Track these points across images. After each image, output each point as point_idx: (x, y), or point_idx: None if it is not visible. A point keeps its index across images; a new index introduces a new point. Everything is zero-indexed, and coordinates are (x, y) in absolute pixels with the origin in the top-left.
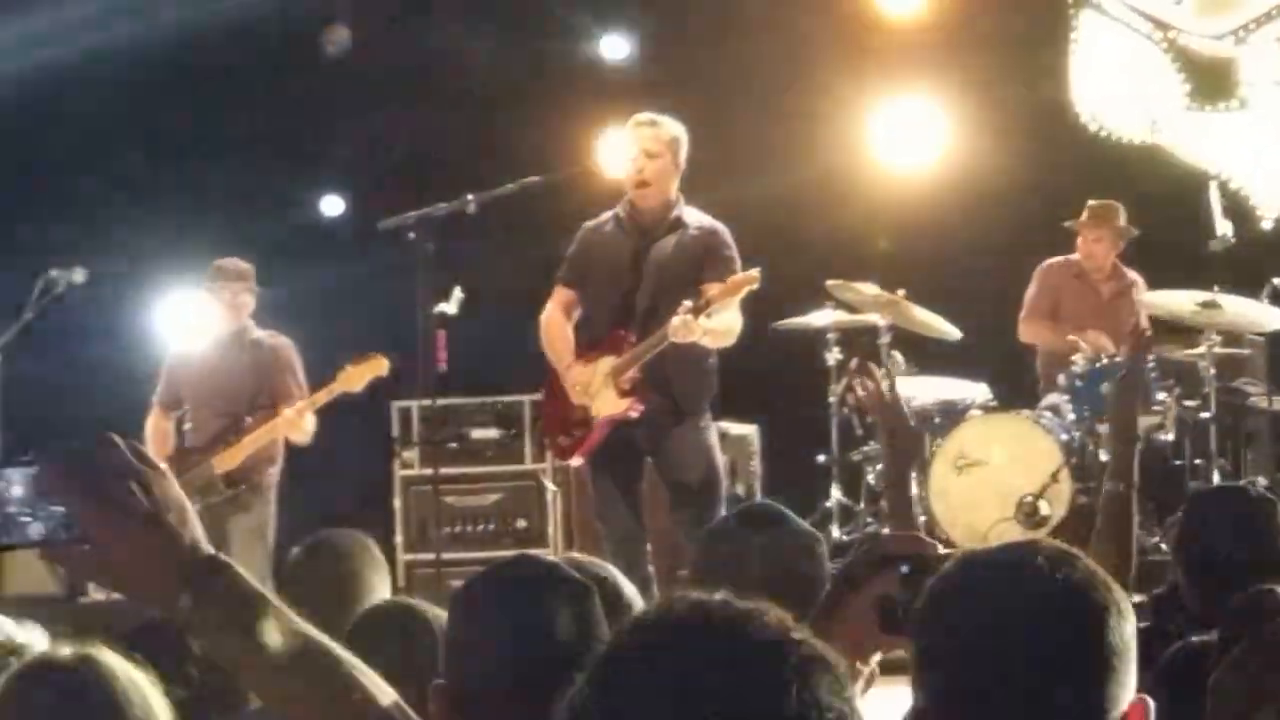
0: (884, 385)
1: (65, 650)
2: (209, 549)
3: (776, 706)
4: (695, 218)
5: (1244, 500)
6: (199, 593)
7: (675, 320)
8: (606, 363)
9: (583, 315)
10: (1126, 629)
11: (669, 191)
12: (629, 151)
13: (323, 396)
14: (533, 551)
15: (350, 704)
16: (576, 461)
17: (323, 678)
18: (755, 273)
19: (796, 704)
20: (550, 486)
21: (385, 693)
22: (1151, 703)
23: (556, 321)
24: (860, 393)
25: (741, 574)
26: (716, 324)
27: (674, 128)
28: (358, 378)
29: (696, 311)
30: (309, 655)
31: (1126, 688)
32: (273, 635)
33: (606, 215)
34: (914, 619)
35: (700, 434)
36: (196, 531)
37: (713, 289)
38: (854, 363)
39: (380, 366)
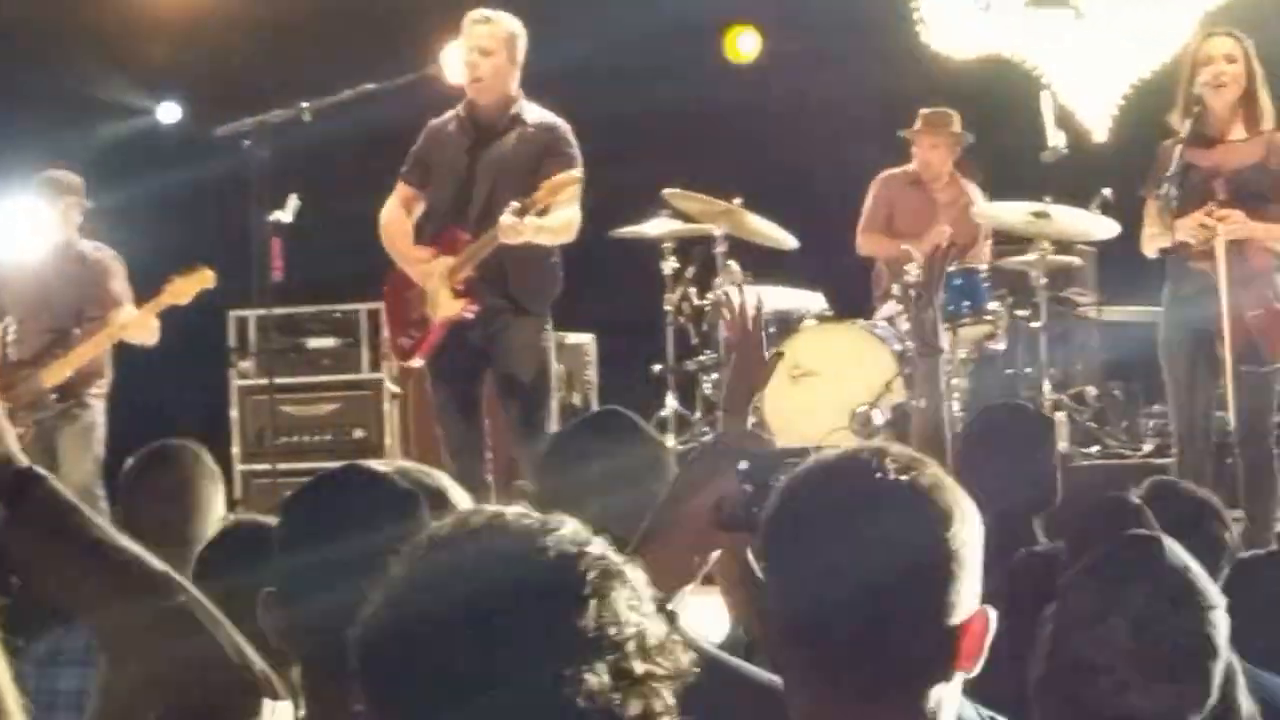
0: (750, 313)
1: None
2: (24, 461)
3: (573, 621)
4: (535, 114)
5: (1013, 416)
6: (13, 505)
7: (503, 220)
8: (443, 263)
9: (425, 213)
10: (971, 536)
11: (506, 88)
12: (464, 49)
13: (151, 309)
14: (362, 462)
15: (169, 618)
16: (416, 363)
17: (142, 593)
18: (576, 172)
19: (594, 618)
20: (393, 389)
21: (210, 614)
22: (993, 613)
23: (397, 218)
24: (725, 314)
25: (585, 480)
26: (550, 221)
27: (510, 24)
28: (184, 290)
29: (523, 211)
30: (129, 570)
31: (969, 595)
32: (90, 549)
33: (450, 114)
34: (760, 518)
35: (537, 335)
36: (10, 443)
37: (539, 189)
38: (720, 292)
39: (206, 278)
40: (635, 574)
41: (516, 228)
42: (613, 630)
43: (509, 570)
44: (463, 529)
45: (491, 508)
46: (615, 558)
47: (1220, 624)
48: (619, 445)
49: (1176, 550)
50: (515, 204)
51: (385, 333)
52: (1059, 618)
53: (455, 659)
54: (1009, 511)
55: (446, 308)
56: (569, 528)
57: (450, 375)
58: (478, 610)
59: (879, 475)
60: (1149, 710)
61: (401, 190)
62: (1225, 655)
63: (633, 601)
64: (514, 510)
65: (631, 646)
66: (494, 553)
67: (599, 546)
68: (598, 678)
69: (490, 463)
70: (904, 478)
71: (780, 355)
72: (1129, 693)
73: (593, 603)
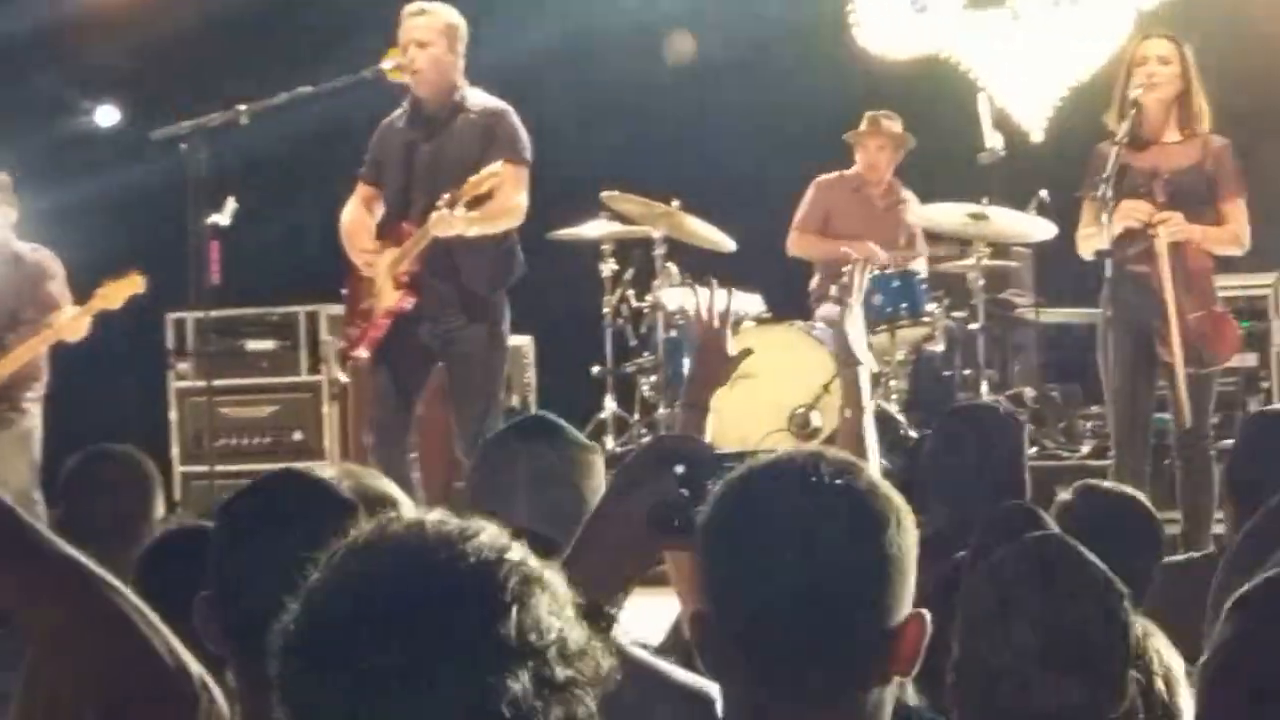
0: (717, 310)
1: None
2: None
3: (494, 628)
4: (479, 100)
5: (983, 417)
6: None
7: (434, 214)
8: (389, 255)
9: (382, 208)
10: (907, 540)
11: (447, 79)
12: (403, 43)
13: (83, 314)
14: (299, 466)
15: (105, 621)
16: (361, 354)
17: (78, 595)
18: (496, 166)
19: (515, 625)
20: (341, 378)
21: (146, 617)
22: (928, 616)
23: (358, 216)
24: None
25: (513, 485)
26: (487, 210)
27: (447, 15)
28: (115, 295)
29: (452, 203)
30: (64, 573)
31: (905, 599)
32: (25, 551)
33: (399, 110)
34: (697, 524)
35: (493, 338)
36: None
37: (471, 181)
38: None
39: (136, 284)
40: (556, 579)
41: (447, 220)
42: (534, 636)
43: (428, 577)
44: (382, 535)
45: (412, 514)
46: (535, 563)
47: (1125, 617)
48: (545, 448)
49: (1075, 548)
50: (445, 196)
51: (324, 334)
52: (962, 624)
53: (374, 666)
54: (976, 513)
55: (387, 299)
56: (489, 533)
57: (392, 366)
58: (396, 617)
59: (815, 479)
60: (1061, 706)
61: (361, 190)
62: (1134, 647)
63: (553, 607)
64: (434, 516)
65: (553, 653)
66: (413, 559)
67: (519, 552)
68: (519, 684)
69: (415, 461)
70: (840, 482)
71: (749, 352)
72: (1037, 691)
73: (513, 609)
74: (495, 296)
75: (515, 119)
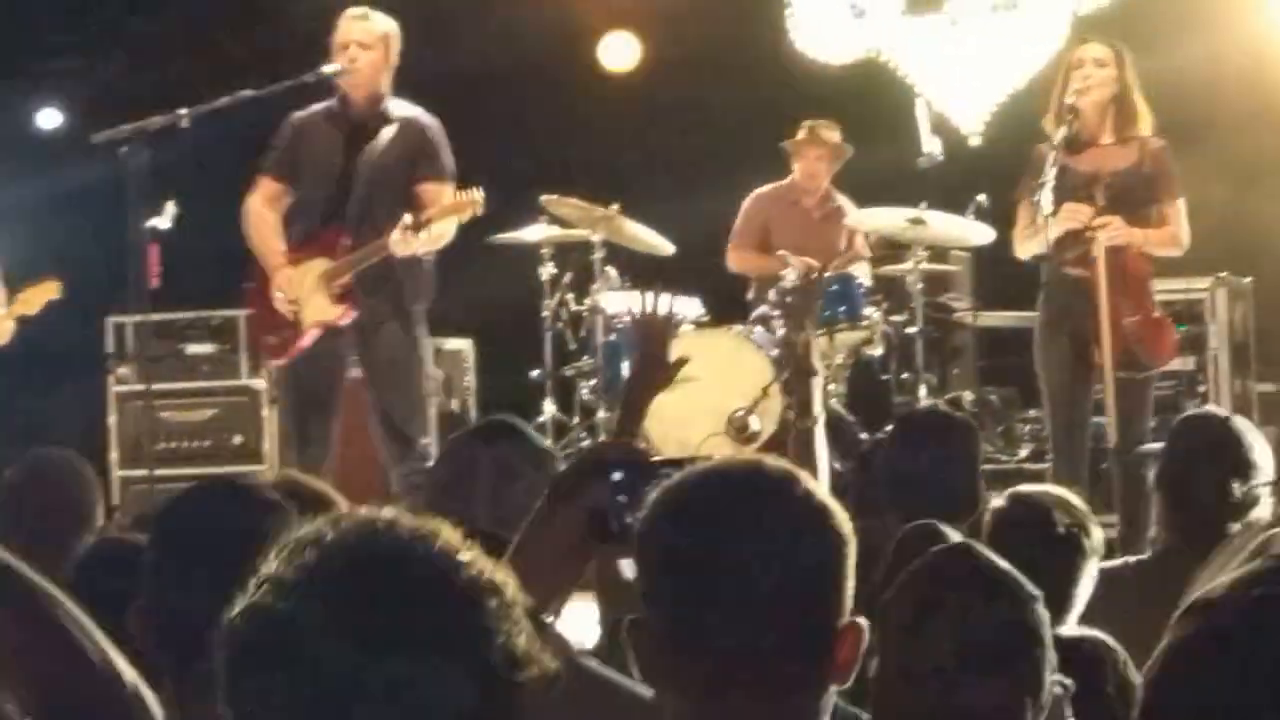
0: (660, 316)
1: None
2: None
3: (444, 631)
4: (404, 109)
5: (944, 423)
6: None
7: (395, 235)
8: (319, 264)
9: (292, 209)
10: (845, 548)
11: (378, 86)
12: (341, 44)
13: (4, 319)
14: (233, 473)
15: (42, 628)
16: (281, 362)
17: (16, 603)
18: (479, 195)
19: (465, 627)
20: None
21: (83, 625)
22: (865, 624)
23: (264, 216)
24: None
25: (474, 487)
26: (434, 233)
27: (387, 23)
28: (33, 300)
29: (417, 227)
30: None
31: (842, 606)
32: None
33: (318, 107)
34: (635, 530)
35: (413, 337)
36: None
37: (433, 208)
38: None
39: (52, 289)
40: (509, 583)
41: (409, 241)
42: (482, 639)
43: (381, 577)
44: (334, 533)
45: (365, 512)
46: (486, 565)
47: (1041, 615)
48: (507, 450)
49: (986, 555)
50: (409, 217)
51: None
52: (881, 637)
53: (323, 666)
54: (930, 520)
55: (322, 312)
56: (441, 535)
57: (312, 378)
58: (347, 617)
59: (755, 486)
60: (983, 705)
61: (267, 185)
62: (1050, 645)
63: (503, 610)
64: (385, 516)
65: (501, 656)
66: (366, 559)
67: (473, 555)
68: (469, 688)
69: (330, 472)
70: (777, 489)
71: (685, 361)
72: (960, 691)
73: (465, 612)
74: (417, 311)
75: (441, 132)
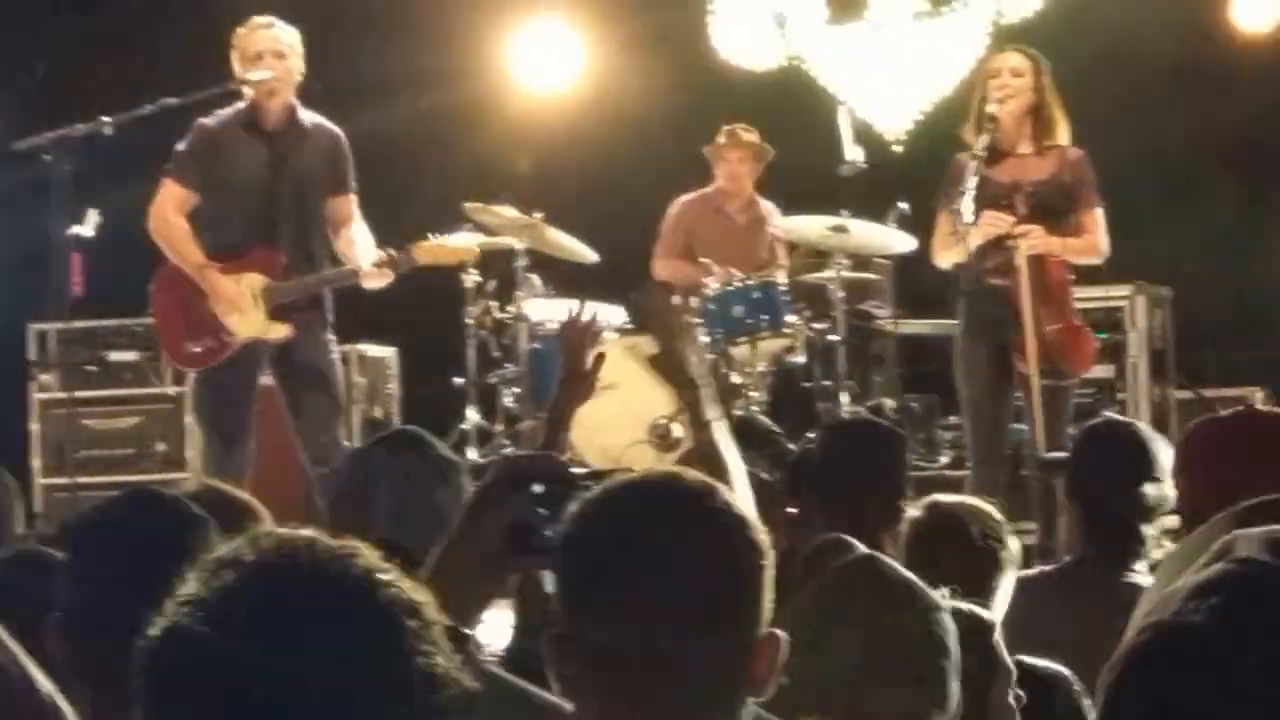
0: (589, 329)
1: None
2: None
3: (362, 651)
4: (313, 119)
5: (873, 432)
6: None
7: (371, 270)
8: (255, 280)
9: (206, 218)
10: (760, 561)
11: (290, 94)
12: (255, 53)
13: None
14: (151, 485)
15: None
16: (200, 369)
17: None
18: (476, 248)
19: (382, 649)
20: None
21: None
22: (783, 636)
23: (177, 223)
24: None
25: (375, 497)
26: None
27: (292, 31)
28: None
29: (395, 265)
30: None
31: (760, 618)
32: None
33: (227, 114)
34: (554, 544)
35: (328, 339)
36: None
37: (433, 251)
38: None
39: None
40: (426, 602)
41: (384, 276)
42: (401, 658)
43: (300, 598)
44: (253, 552)
45: (285, 530)
46: (405, 584)
47: (947, 625)
48: (411, 461)
49: (890, 565)
50: (391, 252)
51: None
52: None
53: (239, 686)
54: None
55: (259, 329)
56: (361, 554)
57: (231, 390)
58: (266, 637)
59: (673, 499)
60: (888, 716)
61: (175, 190)
62: (956, 654)
63: (422, 631)
64: (305, 534)
65: (421, 677)
66: (285, 580)
67: (392, 575)
68: (386, 708)
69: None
70: (696, 501)
71: (603, 361)
72: (865, 701)
73: (385, 632)
74: (329, 318)
75: (348, 146)
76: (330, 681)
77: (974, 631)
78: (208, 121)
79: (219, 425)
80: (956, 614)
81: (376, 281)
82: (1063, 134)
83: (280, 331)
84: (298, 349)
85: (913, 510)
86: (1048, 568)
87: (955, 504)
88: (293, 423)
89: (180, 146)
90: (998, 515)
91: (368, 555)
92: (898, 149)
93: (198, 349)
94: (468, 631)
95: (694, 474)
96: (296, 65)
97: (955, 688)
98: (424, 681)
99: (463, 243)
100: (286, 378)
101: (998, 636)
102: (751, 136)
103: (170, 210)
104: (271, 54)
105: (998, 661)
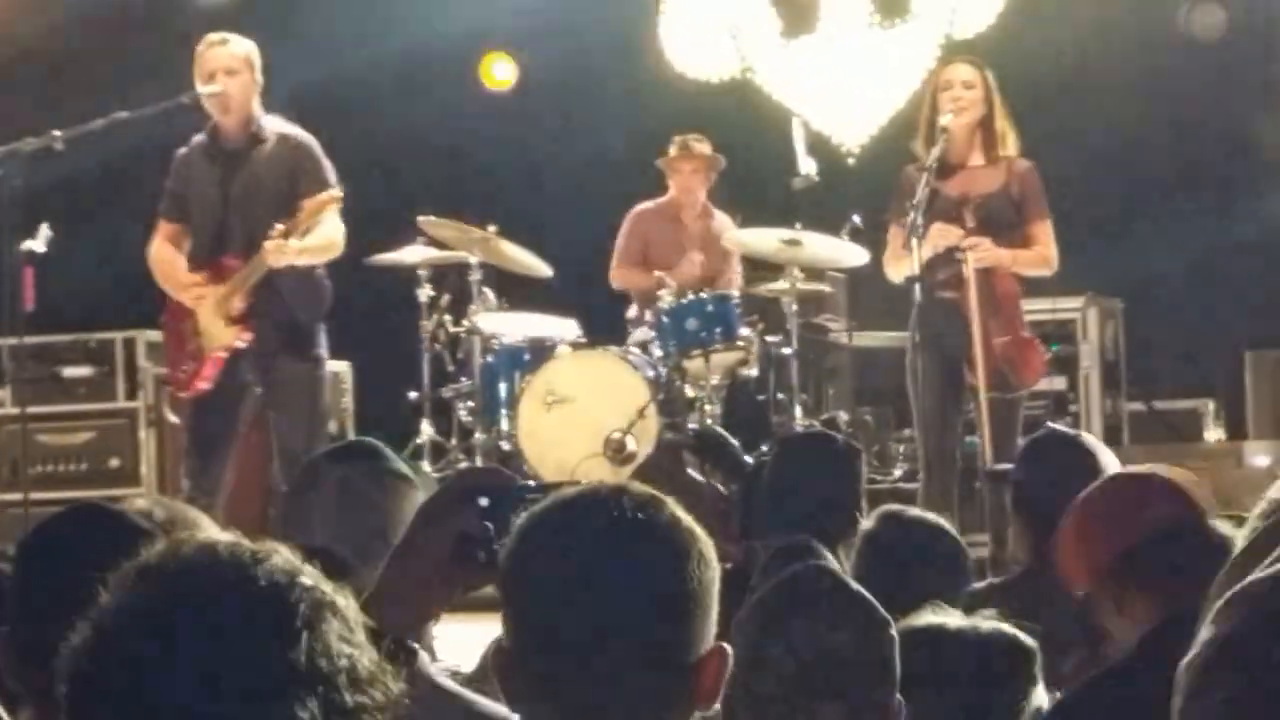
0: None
1: None
2: None
3: (284, 654)
4: (276, 126)
5: (827, 445)
6: None
7: (269, 244)
8: (214, 292)
9: (190, 247)
10: (708, 574)
11: (249, 108)
12: (208, 72)
13: None
14: (98, 500)
15: None
16: (188, 394)
17: None
18: (336, 191)
19: (305, 651)
20: (172, 419)
21: None
22: (730, 650)
23: (166, 254)
24: None
25: (314, 506)
26: (313, 241)
27: (246, 44)
28: None
29: (287, 233)
30: None
31: (706, 632)
32: None
33: (195, 140)
34: (499, 557)
35: (315, 365)
36: None
37: (300, 211)
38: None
39: None
40: (348, 604)
41: (282, 250)
42: (323, 662)
43: (217, 600)
44: (172, 557)
45: (203, 536)
46: (328, 587)
47: (890, 639)
48: (356, 471)
49: (836, 576)
50: (280, 226)
51: (142, 360)
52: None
53: (161, 692)
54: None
55: (221, 336)
56: (280, 557)
57: (216, 409)
58: (185, 642)
59: (617, 513)
60: None
61: (165, 228)
62: (896, 669)
63: (344, 633)
64: (226, 539)
65: (343, 679)
66: (203, 582)
67: (311, 576)
68: (308, 711)
69: (225, 503)
70: (642, 516)
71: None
72: (798, 715)
73: (304, 634)
74: (314, 326)
75: (318, 148)
76: (248, 683)
77: (1012, 653)
78: (180, 151)
79: (197, 441)
80: (998, 637)
81: (279, 259)
82: (1011, 145)
83: (230, 335)
84: (274, 369)
85: (866, 522)
86: (995, 580)
87: (911, 515)
88: (271, 440)
89: (164, 184)
90: (950, 527)
91: (285, 557)
92: (850, 161)
93: (182, 375)
94: (414, 645)
95: (640, 487)
96: (250, 79)
97: (896, 703)
98: (347, 682)
99: (324, 193)
100: (265, 398)
101: (1038, 666)
102: (703, 147)
103: (162, 246)
104: (223, 71)
105: (1033, 690)
